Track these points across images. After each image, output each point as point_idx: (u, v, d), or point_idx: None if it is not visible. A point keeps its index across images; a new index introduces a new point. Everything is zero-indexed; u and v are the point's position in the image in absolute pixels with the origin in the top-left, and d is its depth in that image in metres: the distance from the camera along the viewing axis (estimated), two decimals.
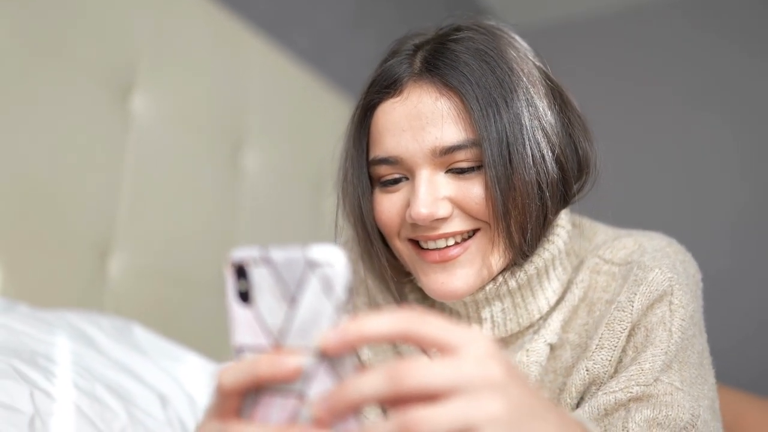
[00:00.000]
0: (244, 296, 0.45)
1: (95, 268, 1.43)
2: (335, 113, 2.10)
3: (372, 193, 0.81)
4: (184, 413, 1.08)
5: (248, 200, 1.84)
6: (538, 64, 0.81)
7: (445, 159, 0.75)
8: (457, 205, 0.76)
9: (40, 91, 1.35)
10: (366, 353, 0.86)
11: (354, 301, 0.43)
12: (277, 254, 0.44)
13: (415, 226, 0.77)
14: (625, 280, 0.79)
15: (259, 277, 0.44)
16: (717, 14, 2.85)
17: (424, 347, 0.43)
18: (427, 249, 0.78)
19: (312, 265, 0.43)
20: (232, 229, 1.79)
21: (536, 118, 0.76)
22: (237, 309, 0.45)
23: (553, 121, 0.78)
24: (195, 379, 1.16)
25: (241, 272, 0.45)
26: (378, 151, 0.78)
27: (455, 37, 0.79)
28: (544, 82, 0.79)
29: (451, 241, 0.77)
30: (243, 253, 0.45)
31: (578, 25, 3.14)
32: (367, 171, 0.81)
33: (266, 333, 0.45)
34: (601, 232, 0.87)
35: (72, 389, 0.93)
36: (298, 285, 0.43)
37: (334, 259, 0.43)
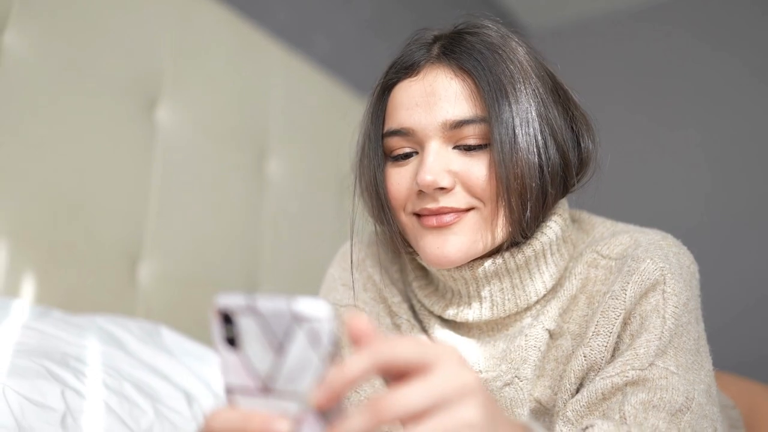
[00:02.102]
0: (231, 341, 0.46)
1: (126, 275, 1.48)
2: (357, 118, 2.13)
3: (385, 165, 0.86)
4: (209, 410, 1.11)
5: (273, 206, 1.88)
6: (545, 65, 0.86)
7: (454, 133, 0.80)
8: (460, 180, 0.80)
9: (68, 106, 1.40)
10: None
11: (340, 351, 0.45)
12: (264, 305, 0.45)
13: (420, 195, 0.82)
14: (620, 272, 0.82)
15: (246, 325, 0.46)
16: (729, 13, 2.84)
17: (401, 372, 0.46)
18: (425, 216, 0.83)
19: (298, 319, 0.44)
20: (258, 235, 1.84)
21: (542, 111, 0.81)
22: (225, 353, 0.47)
23: (557, 117, 0.83)
24: (220, 378, 1.20)
25: (227, 318, 0.46)
26: (391, 123, 0.84)
27: (471, 31, 0.85)
28: (550, 82, 0.85)
29: (449, 217, 0.81)
30: (229, 301, 0.46)
31: (595, 25, 3.14)
32: (381, 144, 0.86)
33: (254, 377, 0.46)
34: (600, 226, 0.91)
35: (101, 388, 0.97)
36: (284, 336, 0.45)
37: (321, 314, 0.44)
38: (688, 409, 0.73)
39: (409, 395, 0.44)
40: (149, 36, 1.60)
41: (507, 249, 0.84)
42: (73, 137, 1.41)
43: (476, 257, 0.83)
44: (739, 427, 1.06)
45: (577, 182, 0.86)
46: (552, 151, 0.81)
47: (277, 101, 1.96)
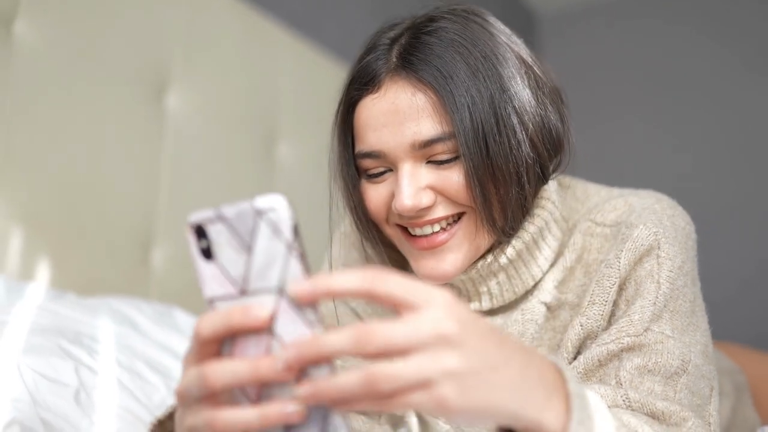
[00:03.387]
0: (206, 253, 0.50)
1: (139, 259, 1.50)
2: None
3: (360, 183, 0.85)
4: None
5: (283, 190, 1.90)
6: (512, 45, 0.83)
7: (425, 152, 0.78)
8: (440, 192, 0.79)
9: (79, 93, 1.43)
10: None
11: (302, 241, 0.48)
12: (229, 210, 0.48)
13: (401, 215, 0.81)
14: (615, 240, 0.82)
15: (216, 233, 0.49)
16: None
17: (386, 305, 0.47)
18: (415, 236, 0.82)
19: (259, 213, 0.48)
20: None
21: (510, 104, 0.78)
22: (202, 265, 0.50)
23: (527, 104, 0.79)
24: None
25: (200, 232, 0.49)
26: (361, 146, 0.82)
27: (428, 28, 0.81)
28: (517, 63, 0.81)
29: (437, 227, 0.80)
30: (199, 215, 0.49)
31: (603, 9, 3.12)
32: (354, 164, 0.85)
33: (231, 282, 0.49)
34: (594, 193, 0.90)
35: (114, 365, 0.99)
36: (251, 234, 0.48)
37: (277, 204, 0.47)
38: (684, 372, 0.73)
39: (392, 329, 0.44)
40: (158, 23, 1.62)
41: (495, 246, 0.83)
42: (85, 124, 1.43)
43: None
44: (744, 390, 1.06)
45: (554, 170, 0.85)
46: (525, 148, 0.78)
47: (286, 87, 1.97)
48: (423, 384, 0.44)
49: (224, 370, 0.47)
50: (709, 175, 2.75)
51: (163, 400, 1.00)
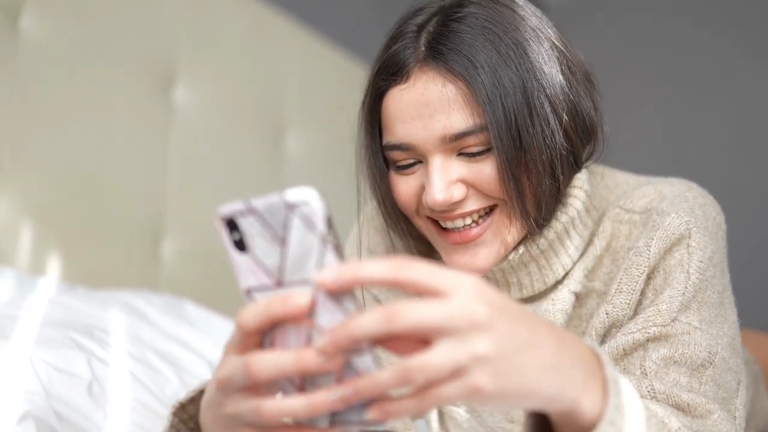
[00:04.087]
0: (239, 245, 0.49)
1: (149, 252, 1.50)
2: None
3: (388, 174, 0.83)
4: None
5: (291, 182, 1.89)
6: (543, 28, 0.80)
7: (456, 144, 0.76)
8: (471, 185, 0.77)
9: (86, 88, 1.43)
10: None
11: (336, 232, 0.47)
12: (259, 203, 0.48)
13: (432, 209, 0.79)
14: (645, 227, 0.80)
15: (248, 225, 0.49)
16: None
17: (414, 292, 0.46)
18: (447, 229, 0.80)
19: (291, 207, 0.47)
20: None
21: (542, 92, 0.76)
22: (236, 257, 0.50)
23: (559, 91, 0.77)
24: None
25: (231, 224, 0.49)
26: (390, 137, 0.80)
27: (458, 14, 0.78)
28: (549, 47, 0.79)
29: (468, 221, 0.78)
30: (230, 208, 0.49)
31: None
32: (382, 154, 0.83)
33: (267, 273, 0.49)
34: (623, 181, 0.88)
35: (126, 357, 0.99)
36: (283, 227, 0.48)
37: (309, 198, 0.47)
38: (711, 364, 0.72)
39: (422, 309, 0.44)
40: (165, 16, 1.62)
41: (526, 238, 0.81)
42: (93, 118, 1.43)
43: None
44: (760, 381, 1.05)
45: (588, 158, 0.83)
46: (558, 138, 0.76)
47: (294, 79, 1.96)
48: (455, 372, 0.44)
49: (268, 362, 0.47)
50: (725, 164, 2.73)
51: (176, 392, 1.00)
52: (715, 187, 0.90)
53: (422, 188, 0.79)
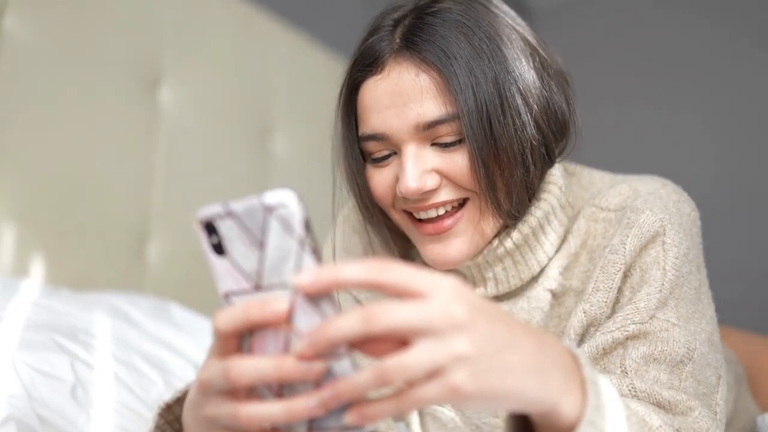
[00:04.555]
0: (218, 248, 0.49)
1: (134, 254, 1.49)
2: None
3: (365, 166, 0.84)
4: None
5: (278, 183, 1.89)
6: (516, 26, 0.82)
7: (429, 133, 0.77)
8: (444, 176, 0.78)
9: (70, 88, 1.41)
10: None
11: (314, 235, 0.47)
12: (237, 206, 0.48)
13: (406, 198, 0.80)
14: (619, 224, 0.81)
15: (227, 229, 0.49)
16: None
17: (393, 294, 0.46)
18: (421, 220, 0.81)
19: (269, 209, 0.47)
20: None
21: (514, 84, 0.77)
22: (215, 260, 0.49)
23: (531, 85, 0.79)
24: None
25: (210, 228, 0.49)
26: (365, 128, 0.81)
27: (432, 9, 0.80)
28: (522, 44, 0.81)
29: (441, 211, 0.80)
30: (208, 211, 0.49)
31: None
32: (358, 147, 0.84)
33: (245, 277, 0.49)
34: (598, 179, 0.89)
35: (111, 360, 0.98)
36: (261, 230, 0.48)
37: (287, 200, 0.47)
38: (690, 360, 0.72)
39: (401, 310, 0.44)
40: (151, 16, 1.61)
41: (502, 231, 0.82)
42: (78, 119, 1.42)
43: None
44: (743, 381, 1.06)
45: (560, 153, 0.84)
46: (530, 129, 0.77)
47: (281, 79, 1.96)
48: (434, 372, 0.43)
49: (248, 368, 0.47)
50: (713, 159, 2.75)
51: (161, 395, 0.99)
52: (689, 183, 0.91)
53: (396, 180, 0.80)
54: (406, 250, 0.92)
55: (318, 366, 0.46)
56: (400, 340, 0.46)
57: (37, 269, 1.30)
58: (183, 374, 1.08)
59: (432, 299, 0.45)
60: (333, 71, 2.17)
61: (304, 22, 2.12)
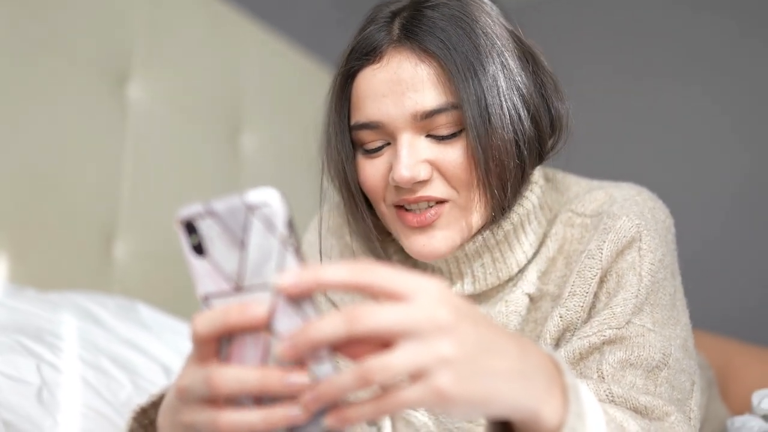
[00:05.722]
0: (198, 249, 0.48)
1: (101, 252, 1.46)
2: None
3: (355, 157, 0.84)
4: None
5: (248, 181, 1.87)
6: (509, 27, 0.83)
7: (426, 123, 0.77)
8: (437, 168, 0.78)
9: (37, 83, 1.38)
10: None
11: (297, 234, 0.46)
12: (219, 205, 0.47)
13: (398, 189, 0.79)
14: (596, 230, 0.81)
15: (207, 228, 0.47)
16: None
17: (377, 296, 0.45)
18: (406, 211, 0.81)
19: (251, 208, 0.46)
20: None
21: (511, 79, 0.78)
22: (194, 261, 0.48)
23: (526, 82, 0.80)
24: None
25: (190, 227, 0.48)
26: (359, 116, 0.80)
27: (430, 3, 0.81)
28: (515, 45, 0.82)
29: (424, 206, 0.80)
30: (188, 210, 0.48)
31: None
32: (349, 136, 0.83)
33: (225, 278, 0.48)
34: (574, 184, 0.90)
35: (78, 362, 0.96)
36: (243, 229, 0.46)
37: (270, 199, 0.46)
38: (665, 365, 0.73)
39: (383, 312, 0.43)
40: (120, 9, 1.58)
41: (486, 227, 0.82)
42: (44, 115, 1.39)
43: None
44: (714, 386, 1.08)
45: (551, 149, 0.85)
46: (526, 122, 0.78)
47: (252, 77, 1.94)
48: (417, 374, 0.43)
49: (231, 377, 0.46)
50: (671, 168, 2.78)
51: (130, 398, 0.97)
52: (664, 191, 0.92)
53: (389, 171, 0.79)
54: (383, 245, 0.91)
55: (301, 380, 0.45)
56: (381, 343, 0.45)
57: (1, 268, 1.27)
58: (151, 376, 1.06)
59: (416, 301, 0.44)
60: (305, 71, 2.17)
61: (276, 20, 2.10)
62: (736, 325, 1.85)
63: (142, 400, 0.98)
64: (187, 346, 1.21)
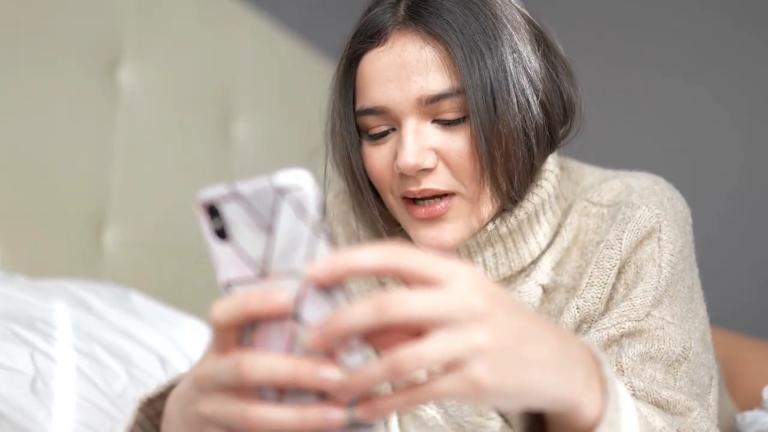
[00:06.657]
0: (221, 233, 0.45)
1: (91, 240, 1.44)
2: (325, 81, 2.10)
3: (360, 143, 0.81)
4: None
5: (240, 169, 1.84)
6: (521, 9, 0.81)
7: (431, 108, 0.75)
8: (442, 157, 0.76)
9: (27, 69, 1.35)
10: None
11: (329, 219, 0.44)
12: (245, 187, 0.44)
13: (402, 177, 0.77)
14: (613, 220, 0.79)
15: (232, 212, 0.45)
16: None
17: (410, 281, 0.43)
18: (416, 202, 0.78)
19: (281, 191, 0.43)
20: None
21: (520, 64, 0.76)
22: (216, 246, 0.46)
23: (537, 67, 0.78)
24: (194, 341, 1.17)
25: (212, 211, 0.45)
26: (364, 101, 0.78)
27: None
28: (527, 27, 0.79)
29: (429, 201, 0.78)
30: (211, 192, 0.45)
31: None
32: (354, 121, 0.81)
33: (250, 264, 0.45)
34: (588, 174, 0.88)
35: (72, 351, 0.94)
36: (271, 213, 0.44)
37: (302, 182, 0.43)
38: (685, 359, 0.72)
39: (416, 299, 0.41)
40: None
41: (498, 215, 0.80)
42: (34, 101, 1.36)
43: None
44: (721, 380, 1.07)
45: (564, 137, 0.83)
46: (535, 109, 0.76)
47: (244, 64, 1.91)
48: (452, 364, 0.41)
49: (263, 365, 0.43)
50: (684, 160, 2.77)
51: (125, 388, 0.95)
52: (678, 182, 0.91)
53: (395, 157, 0.77)
54: (390, 234, 0.89)
55: (335, 375, 0.42)
56: (413, 333, 0.43)
57: None
58: (146, 366, 1.04)
59: (451, 288, 0.42)
60: (297, 58, 2.14)
61: (269, 6, 2.07)
62: (738, 319, 1.85)
63: (137, 391, 0.96)
64: (180, 337, 1.19)
